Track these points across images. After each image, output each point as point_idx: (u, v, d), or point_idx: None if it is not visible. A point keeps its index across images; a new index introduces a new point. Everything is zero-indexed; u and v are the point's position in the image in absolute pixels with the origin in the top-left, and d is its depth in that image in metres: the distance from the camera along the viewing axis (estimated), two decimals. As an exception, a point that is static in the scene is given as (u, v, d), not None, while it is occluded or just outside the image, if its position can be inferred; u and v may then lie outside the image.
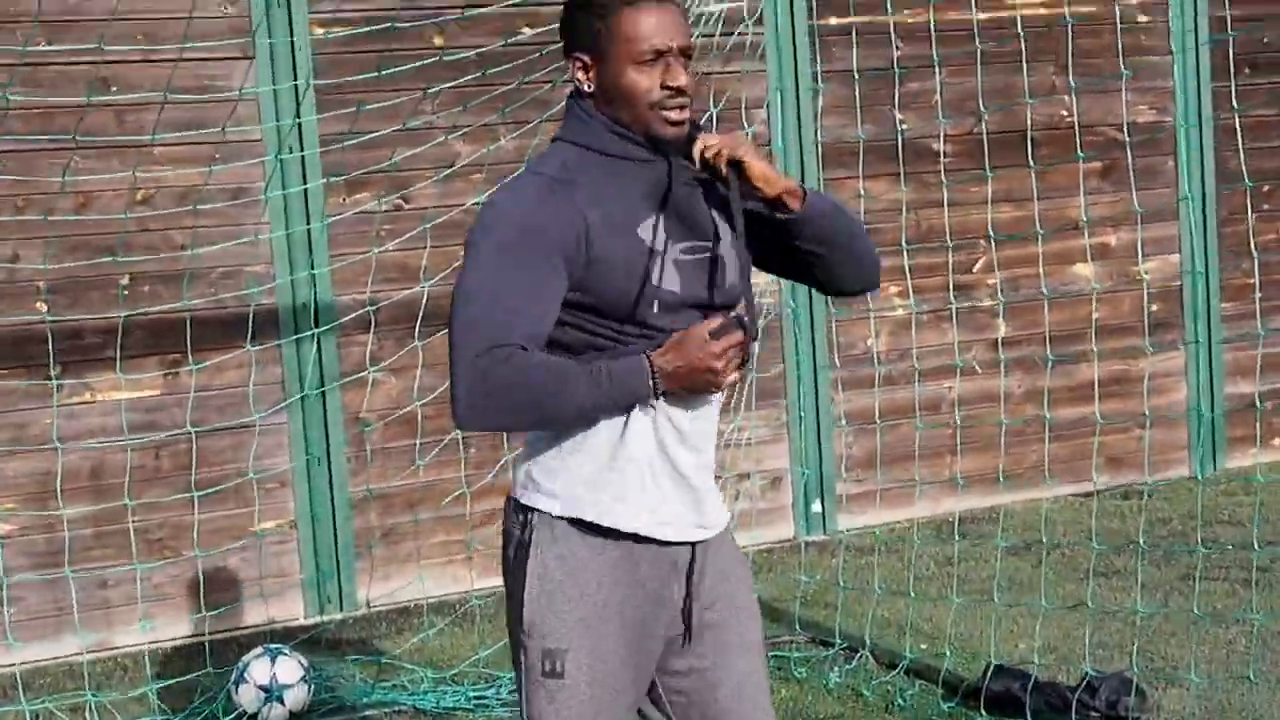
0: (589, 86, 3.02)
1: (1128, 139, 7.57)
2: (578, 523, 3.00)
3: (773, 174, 3.02)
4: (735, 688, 3.12)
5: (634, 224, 2.98)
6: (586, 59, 3.03)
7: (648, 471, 3.00)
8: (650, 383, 2.93)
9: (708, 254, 3.05)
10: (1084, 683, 5.17)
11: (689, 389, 2.96)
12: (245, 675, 5.55)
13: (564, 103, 3.12)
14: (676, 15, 3.02)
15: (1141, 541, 5.66)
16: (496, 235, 2.93)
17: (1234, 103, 6.17)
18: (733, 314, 3.02)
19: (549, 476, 3.02)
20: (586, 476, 2.99)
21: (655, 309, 2.98)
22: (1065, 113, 7.81)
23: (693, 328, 2.94)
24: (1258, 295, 7.58)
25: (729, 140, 3.00)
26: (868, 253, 3.22)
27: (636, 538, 3.00)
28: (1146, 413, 7.53)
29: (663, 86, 2.98)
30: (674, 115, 2.99)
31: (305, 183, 6.63)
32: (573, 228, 2.91)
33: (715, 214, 3.09)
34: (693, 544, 3.07)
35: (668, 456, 3.01)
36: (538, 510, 3.02)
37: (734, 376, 2.97)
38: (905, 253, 6.68)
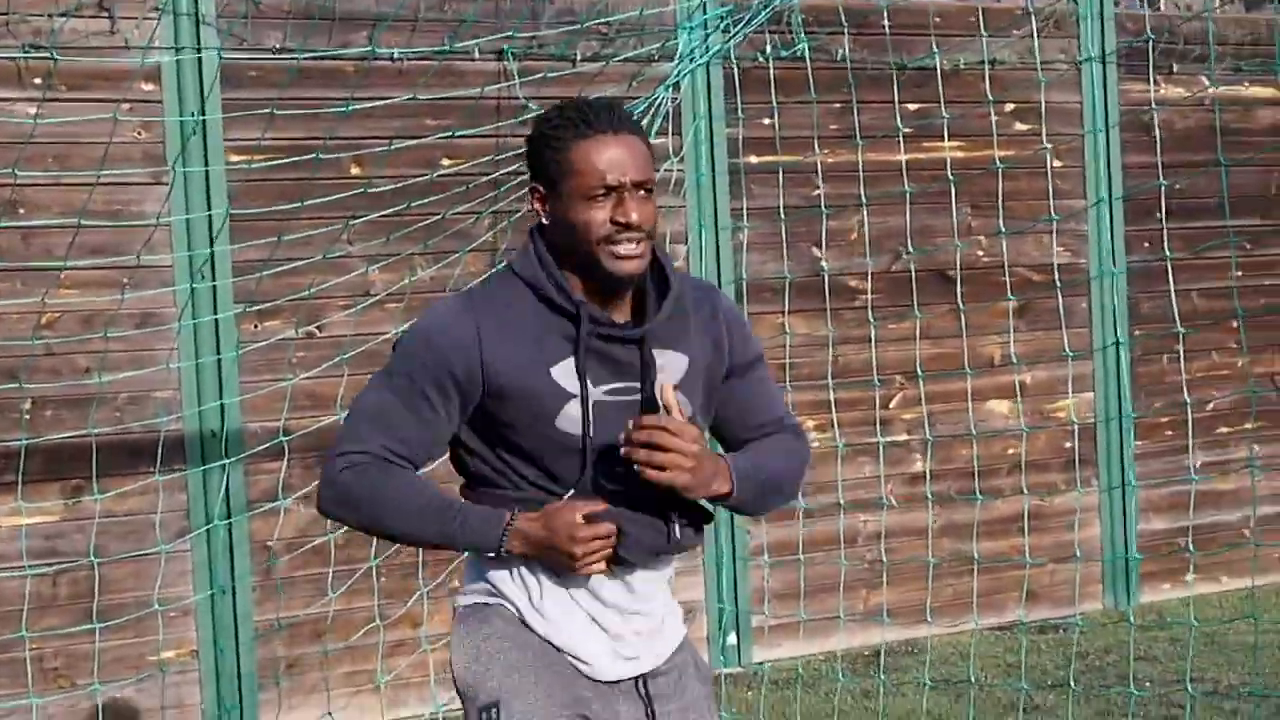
0: (545, 218, 3.03)
1: (1057, 280, 7.64)
2: (504, 609, 3.04)
3: (700, 482, 2.96)
4: None
5: (549, 362, 2.96)
6: (541, 189, 3.03)
7: (564, 618, 3.03)
8: (499, 539, 2.96)
9: (637, 395, 3.01)
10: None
11: (545, 561, 2.97)
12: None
13: (507, 233, 3.18)
14: (634, 148, 2.98)
15: (1073, 683, 5.61)
16: (399, 354, 3.02)
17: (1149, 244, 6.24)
18: (612, 510, 2.96)
19: (475, 576, 3.09)
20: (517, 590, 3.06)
21: (559, 454, 2.98)
22: (982, 253, 7.88)
23: (566, 505, 2.94)
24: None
25: (665, 458, 2.91)
26: (791, 494, 3.24)
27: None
28: (1076, 552, 7.53)
29: (612, 221, 2.95)
30: (622, 250, 2.95)
31: (217, 311, 6.55)
32: (468, 357, 2.94)
33: (660, 352, 3.04)
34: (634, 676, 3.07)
35: (586, 612, 3.03)
36: (467, 605, 3.08)
37: (596, 568, 2.96)
38: (827, 389, 6.68)
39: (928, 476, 6.96)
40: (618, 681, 3.05)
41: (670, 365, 3.04)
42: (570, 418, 2.97)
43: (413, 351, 2.99)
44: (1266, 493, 8.53)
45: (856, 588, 7.47)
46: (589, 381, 2.97)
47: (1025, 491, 7.13)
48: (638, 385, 3.01)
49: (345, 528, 6.29)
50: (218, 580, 6.54)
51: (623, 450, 2.91)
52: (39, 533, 6.28)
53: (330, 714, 6.49)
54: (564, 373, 2.97)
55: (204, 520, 6.49)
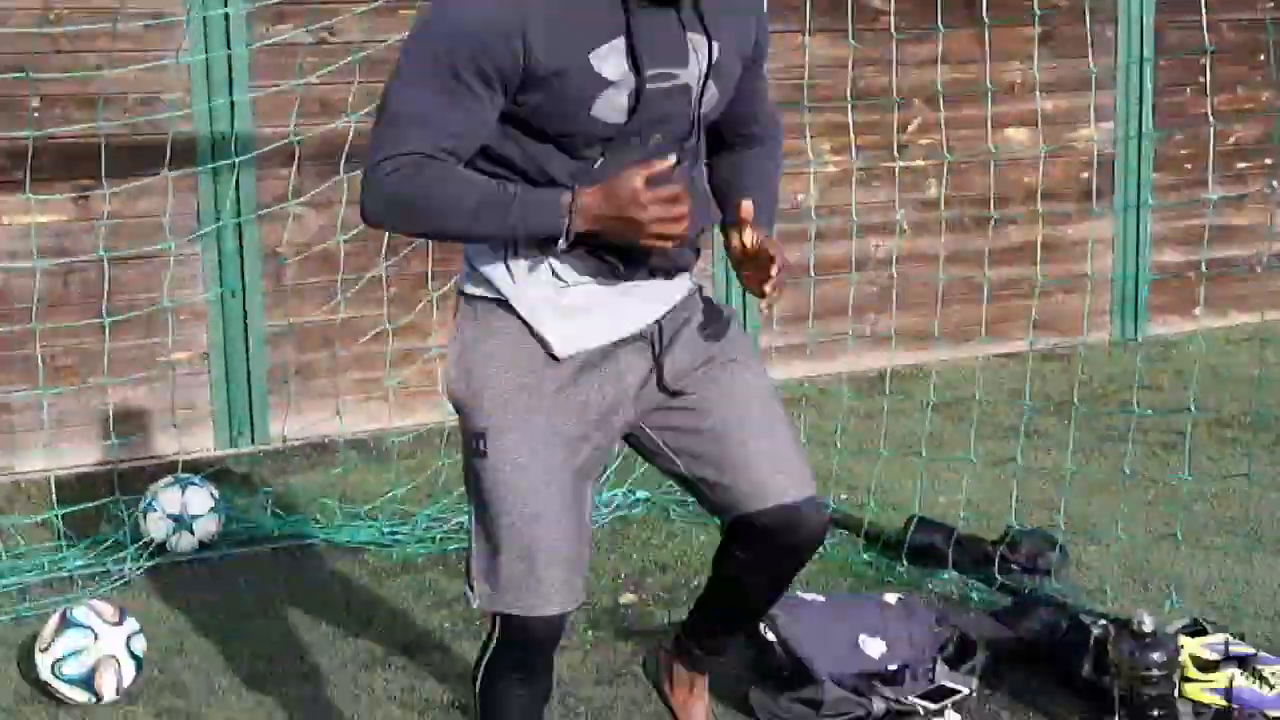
0: None
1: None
2: (499, 303, 2.93)
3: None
4: (738, 403, 3.04)
5: (589, 46, 2.75)
6: None
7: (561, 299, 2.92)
8: (563, 222, 2.77)
9: (677, 81, 2.84)
10: (1006, 537, 5.16)
11: (614, 238, 2.80)
12: (154, 504, 5.43)
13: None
14: None
15: (1075, 400, 5.62)
16: (428, 39, 2.77)
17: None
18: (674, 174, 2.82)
19: (479, 259, 2.96)
20: (510, 271, 2.93)
21: (597, 144, 2.82)
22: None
23: (627, 171, 2.74)
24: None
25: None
26: None
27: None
28: (1089, 270, 7.50)
29: None
30: None
31: (227, 5, 6.39)
32: (510, 37, 2.70)
33: (694, 38, 2.86)
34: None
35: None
36: (464, 293, 2.97)
37: (675, 230, 2.75)
38: (845, 110, 6.56)
39: (941, 202, 6.89)
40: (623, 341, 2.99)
41: (702, 49, 2.88)
42: (615, 105, 2.79)
43: (450, 37, 2.74)
44: (1281, 229, 8.49)
45: (865, 311, 7.46)
46: (629, 66, 2.78)
47: (1040, 220, 7.05)
48: (677, 72, 2.85)
49: (354, 235, 6.29)
50: (228, 283, 6.52)
51: (768, 291, 2.88)
52: (49, 231, 6.23)
53: (340, 415, 6.51)
54: (609, 55, 2.77)
55: (214, 221, 6.44)
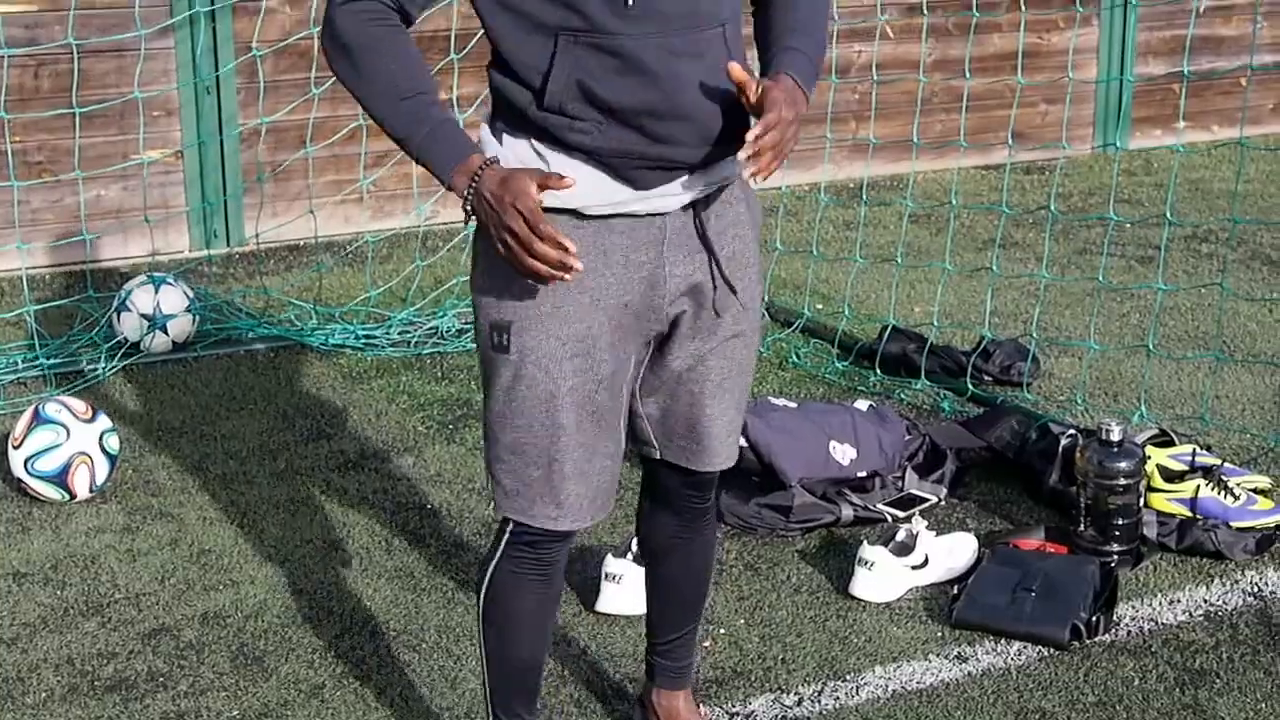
0: None
1: None
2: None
3: (797, 138, 2.62)
4: (729, 377, 2.89)
5: None
6: None
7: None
8: (450, 179, 2.60)
9: None
10: (979, 347, 5.18)
11: (490, 234, 2.58)
12: (128, 303, 5.40)
13: None
14: None
15: (1053, 210, 5.60)
16: None
17: None
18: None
19: (504, 117, 2.72)
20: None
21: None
22: None
23: (528, 177, 2.53)
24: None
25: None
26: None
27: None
28: (1069, 74, 7.42)
29: None
30: None
31: None
32: None
33: None
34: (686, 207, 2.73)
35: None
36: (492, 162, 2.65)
37: (542, 270, 2.54)
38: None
39: (924, 8, 6.77)
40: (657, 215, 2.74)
41: None
42: None
43: None
44: (1268, 40, 8.38)
45: (845, 119, 7.39)
46: None
47: (1024, 27, 6.94)
48: None
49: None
50: (201, 78, 6.42)
51: (745, 160, 2.54)
52: (18, 22, 6.11)
53: (314, 213, 6.43)
54: None
55: (185, 9, 6.31)
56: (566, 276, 2.57)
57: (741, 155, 2.56)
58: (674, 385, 2.88)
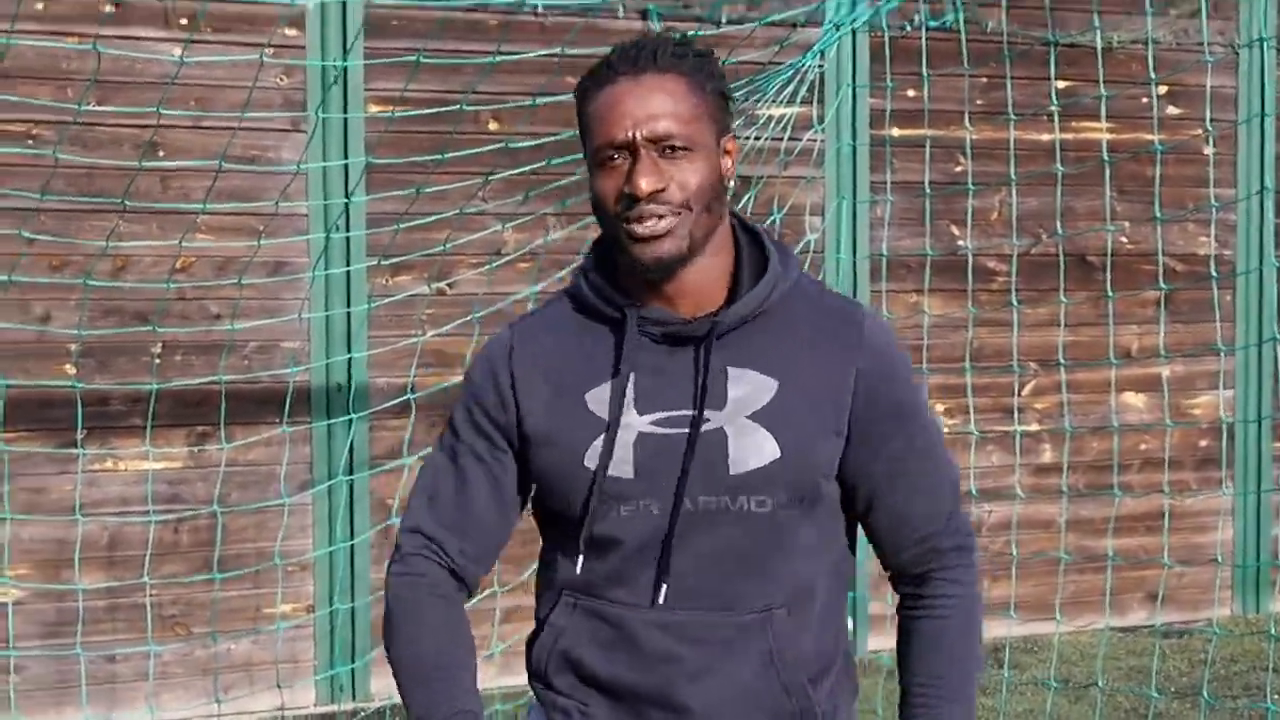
0: None
1: (1212, 271, 7.41)
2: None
3: None
4: None
5: (586, 387, 2.31)
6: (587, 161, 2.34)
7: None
8: None
9: (687, 427, 2.27)
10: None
11: None
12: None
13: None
14: (658, 92, 2.22)
15: (1206, 694, 5.43)
16: (461, 398, 2.47)
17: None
18: None
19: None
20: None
21: (599, 506, 2.31)
22: (1125, 240, 7.67)
23: None
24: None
25: None
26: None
27: None
28: (1218, 556, 7.32)
29: (620, 193, 2.24)
30: (639, 229, 2.23)
31: (349, 263, 6.48)
32: (501, 395, 2.38)
33: (710, 377, 2.28)
34: None
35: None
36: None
37: None
38: (961, 372, 6.52)
39: (1065, 469, 6.77)
40: None
41: (748, 387, 2.28)
42: (599, 453, 2.30)
43: (462, 393, 2.44)
44: None
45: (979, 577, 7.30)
46: (634, 407, 2.27)
47: (1166, 491, 6.89)
48: (689, 415, 2.28)
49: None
50: (337, 537, 6.50)
51: None
52: (164, 478, 6.26)
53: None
54: (603, 397, 2.30)
55: (326, 475, 6.45)
56: None
57: None
58: None
